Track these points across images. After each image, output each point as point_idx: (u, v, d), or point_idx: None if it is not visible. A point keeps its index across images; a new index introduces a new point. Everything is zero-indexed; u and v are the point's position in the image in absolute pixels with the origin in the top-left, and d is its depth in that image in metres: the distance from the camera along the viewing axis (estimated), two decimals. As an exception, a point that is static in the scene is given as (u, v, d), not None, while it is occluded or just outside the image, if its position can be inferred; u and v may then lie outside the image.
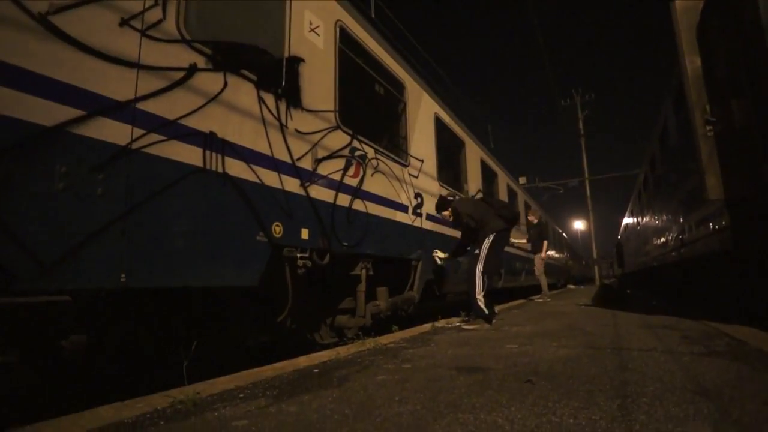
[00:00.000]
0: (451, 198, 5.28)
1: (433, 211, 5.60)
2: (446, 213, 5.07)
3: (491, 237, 4.62)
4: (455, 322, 4.79)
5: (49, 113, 1.77)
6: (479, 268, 4.57)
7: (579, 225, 45.44)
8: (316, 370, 2.41)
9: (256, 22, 3.09)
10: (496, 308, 6.26)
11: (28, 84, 1.71)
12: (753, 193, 3.53)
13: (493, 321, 4.64)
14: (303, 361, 2.74)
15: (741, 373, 1.98)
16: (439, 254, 5.37)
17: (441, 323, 4.65)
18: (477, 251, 4.63)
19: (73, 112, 1.85)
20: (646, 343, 2.88)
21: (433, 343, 3.31)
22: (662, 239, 8.78)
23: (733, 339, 2.95)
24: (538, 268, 9.35)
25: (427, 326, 4.47)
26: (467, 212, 4.80)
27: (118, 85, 2.05)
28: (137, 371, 2.60)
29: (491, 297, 4.81)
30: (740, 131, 3.62)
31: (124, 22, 2.11)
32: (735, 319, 4.02)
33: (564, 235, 26.32)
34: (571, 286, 23.05)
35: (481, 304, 4.59)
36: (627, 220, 17.90)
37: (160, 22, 2.30)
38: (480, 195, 5.01)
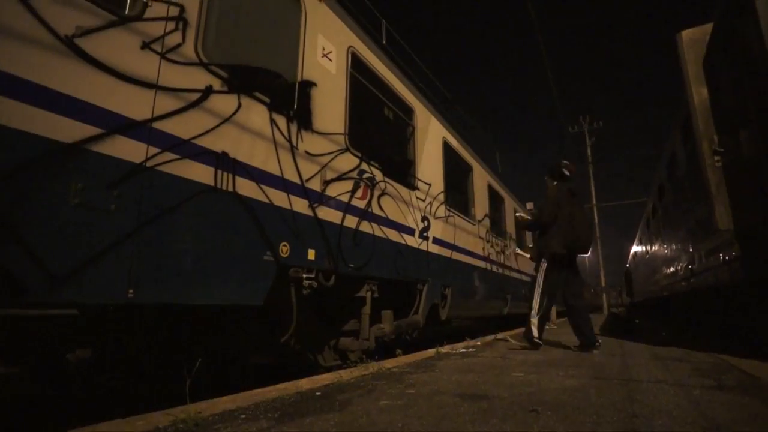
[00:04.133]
0: (568, 174, 4.68)
1: (439, 235, 5.61)
2: (548, 181, 4.73)
3: (545, 263, 4.36)
4: (460, 348, 4.72)
5: (68, 130, 1.83)
6: (537, 287, 4.35)
7: (587, 252, 44.93)
8: (318, 393, 2.38)
9: (271, 47, 3.19)
10: (500, 334, 6.17)
11: (51, 102, 1.78)
12: (764, 223, 3.50)
13: (536, 348, 4.38)
14: (305, 383, 2.71)
15: (752, 409, 1.93)
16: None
17: (446, 349, 4.59)
18: (535, 273, 4.44)
19: (92, 130, 1.91)
20: (655, 375, 2.82)
21: (438, 368, 3.27)
22: (671, 269, 8.67)
23: (745, 373, 2.89)
24: None
25: (431, 351, 4.41)
26: (543, 203, 4.51)
27: (137, 105, 2.12)
28: (139, 386, 2.58)
29: (546, 321, 4.56)
30: (749, 161, 3.63)
31: (145, 45, 2.19)
32: (747, 352, 3.93)
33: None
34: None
35: (533, 327, 4.36)
36: (635, 248, 17.71)
37: (179, 45, 2.38)
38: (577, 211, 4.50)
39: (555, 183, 4.66)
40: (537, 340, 4.36)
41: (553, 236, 4.33)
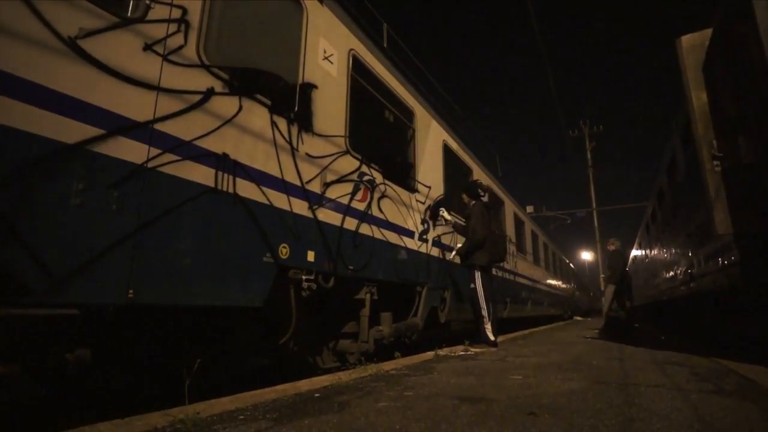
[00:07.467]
0: (482, 195, 5.46)
1: (439, 238, 5.62)
2: (466, 198, 5.46)
3: (478, 272, 4.99)
4: (459, 350, 4.72)
5: (70, 131, 1.84)
6: (480, 297, 4.96)
7: (587, 256, 44.94)
8: (317, 395, 2.38)
9: (273, 49, 3.20)
10: (500, 338, 6.20)
11: (52, 102, 1.79)
12: (762, 228, 3.50)
13: (495, 347, 4.97)
14: (304, 384, 2.71)
15: (750, 414, 1.93)
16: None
17: (444, 351, 4.59)
18: (472, 285, 5.02)
19: (94, 131, 1.92)
20: (654, 379, 2.82)
21: (436, 371, 3.27)
22: (670, 273, 8.67)
23: (744, 378, 2.89)
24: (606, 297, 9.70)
25: (430, 354, 4.41)
26: (474, 223, 5.06)
27: (138, 106, 2.12)
28: (138, 387, 2.59)
29: (497, 324, 5.19)
30: (748, 166, 3.63)
31: (147, 47, 2.20)
32: (746, 356, 3.93)
33: (571, 265, 26.05)
34: (578, 318, 22.66)
35: (488, 332, 4.96)
36: (635, 253, 17.70)
37: (181, 47, 2.40)
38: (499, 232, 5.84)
39: (473, 202, 5.30)
40: (494, 341, 4.99)
41: (481, 252, 5.05)
